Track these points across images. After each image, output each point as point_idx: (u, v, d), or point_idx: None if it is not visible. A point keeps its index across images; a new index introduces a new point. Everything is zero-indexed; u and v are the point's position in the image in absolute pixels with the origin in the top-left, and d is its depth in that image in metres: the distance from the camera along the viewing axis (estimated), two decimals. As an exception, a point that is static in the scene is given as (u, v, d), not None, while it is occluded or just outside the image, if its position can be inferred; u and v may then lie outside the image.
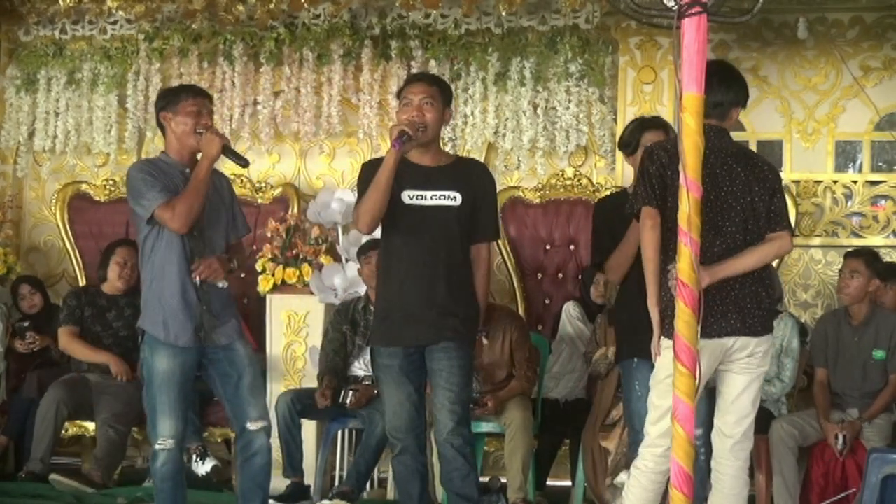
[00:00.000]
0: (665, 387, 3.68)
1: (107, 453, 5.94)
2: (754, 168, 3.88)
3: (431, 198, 4.27)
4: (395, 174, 4.26)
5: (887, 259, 6.46)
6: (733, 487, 3.84)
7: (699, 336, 3.57)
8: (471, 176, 4.36)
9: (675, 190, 3.76)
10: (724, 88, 3.92)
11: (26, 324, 6.64)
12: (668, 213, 3.81)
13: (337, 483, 5.89)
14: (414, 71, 6.86)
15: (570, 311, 6.16)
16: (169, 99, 4.47)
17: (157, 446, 4.30)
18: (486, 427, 5.67)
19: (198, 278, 4.33)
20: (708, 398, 4.03)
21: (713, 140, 3.84)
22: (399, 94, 4.43)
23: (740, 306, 3.77)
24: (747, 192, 3.83)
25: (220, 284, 4.40)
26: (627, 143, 4.69)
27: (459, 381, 4.22)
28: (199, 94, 4.50)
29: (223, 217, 4.49)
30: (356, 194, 4.44)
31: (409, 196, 4.27)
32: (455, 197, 4.27)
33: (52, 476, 5.78)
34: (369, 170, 4.35)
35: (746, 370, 3.81)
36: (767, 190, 3.88)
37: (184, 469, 4.42)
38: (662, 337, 3.79)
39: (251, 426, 4.38)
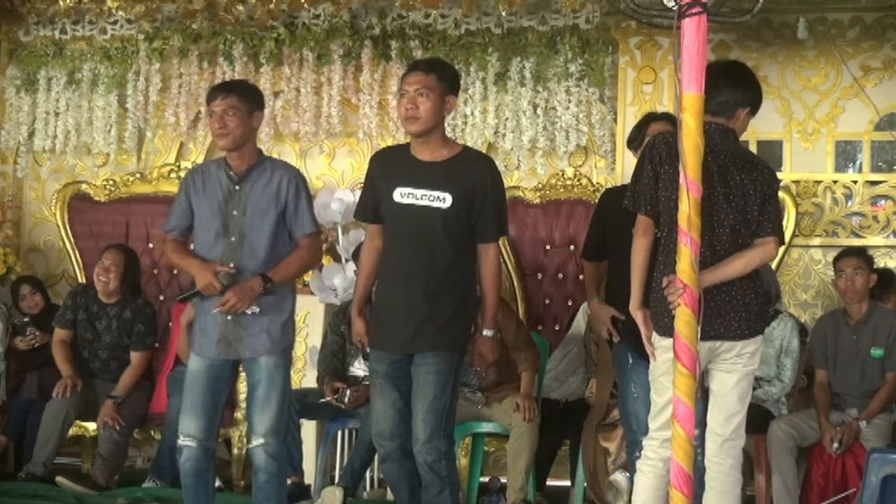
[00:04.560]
0: (659, 384, 3.80)
1: (112, 455, 5.94)
2: (752, 171, 3.82)
3: (421, 197, 4.16)
4: (390, 169, 4.26)
5: (887, 259, 6.48)
6: (724, 485, 3.83)
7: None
8: (469, 173, 4.19)
9: (668, 185, 3.78)
10: (731, 87, 3.87)
11: (27, 319, 6.66)
12: (661, 210, 3.82)
13: (336, 482, 5.88)
14: (414, 71, 6.87)
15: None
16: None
17: (179, 441, 4.33)
18: (486, 427, 5.66)
19: (218, 310, 4.27)
20: (704, 399, 4.04)
21: (715, 140, 3.83)
22: (402, 77, 4.31)
23: (726, 310, 3.74)
24: (741, 197, 3.78)
25: (250, 312, 4.27)
26: (633, 139, 4.73)
27: (434, 390, 4.11)
28: (213, 96, 4.39)
29: (271, 217, 4.34)
30: (359, 191, 4.44)
31: (400, 194, 4.19)
32: (444, 198, 4.14)
33: (58, 479, 5.79)
34: (372, 162, 4.39)
35: (734, 369, 3.80)
36: (762, 195, 3.81)
37: (210, 468, 4.40)
38: (656, 335, 3.83)
39: (253, 442, 4.35)
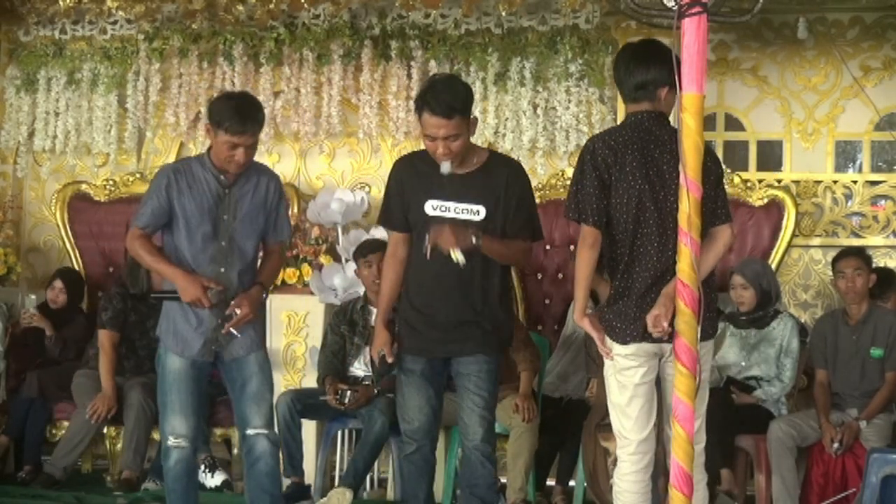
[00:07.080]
0: (614, 381, 3.84)
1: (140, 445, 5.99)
2: None
3: (455, 210, 4.18)
4: (420, 179, 4.24)
5: (887, 259, 6.48)
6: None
7: (640, 340, 3.71)
8: (500, 182, 4.20)
9: (625, 192, 3.75)
10: (644, 67, 3.81)
11: (40, 304, 6.61)
12: (614, 214, 3.78)
13: (336, 482, 5.89)
14: (414, 71, 6.87)
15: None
16: (214, 116, 4.28)
17: (169, 443, 4.30)
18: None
19: (231, 327, 4.30)
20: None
21: (654, 129, 3.80)
22: (418, 110, 4.16)
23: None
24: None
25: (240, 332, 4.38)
26: None
27: (488, 388, 4.26)
28: (238, 132, 4.22)
29: (259, 222, 4.41)
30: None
31: (432, 207, 4.21)
32: (478, 211, 4.17)
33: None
34: (399, 170, 4.36)
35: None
36: (712, 182, 3.75)
37: (196, 469, 4.42)
38: (608, 339, 3.83)
39: (251, 431, 4.38)
